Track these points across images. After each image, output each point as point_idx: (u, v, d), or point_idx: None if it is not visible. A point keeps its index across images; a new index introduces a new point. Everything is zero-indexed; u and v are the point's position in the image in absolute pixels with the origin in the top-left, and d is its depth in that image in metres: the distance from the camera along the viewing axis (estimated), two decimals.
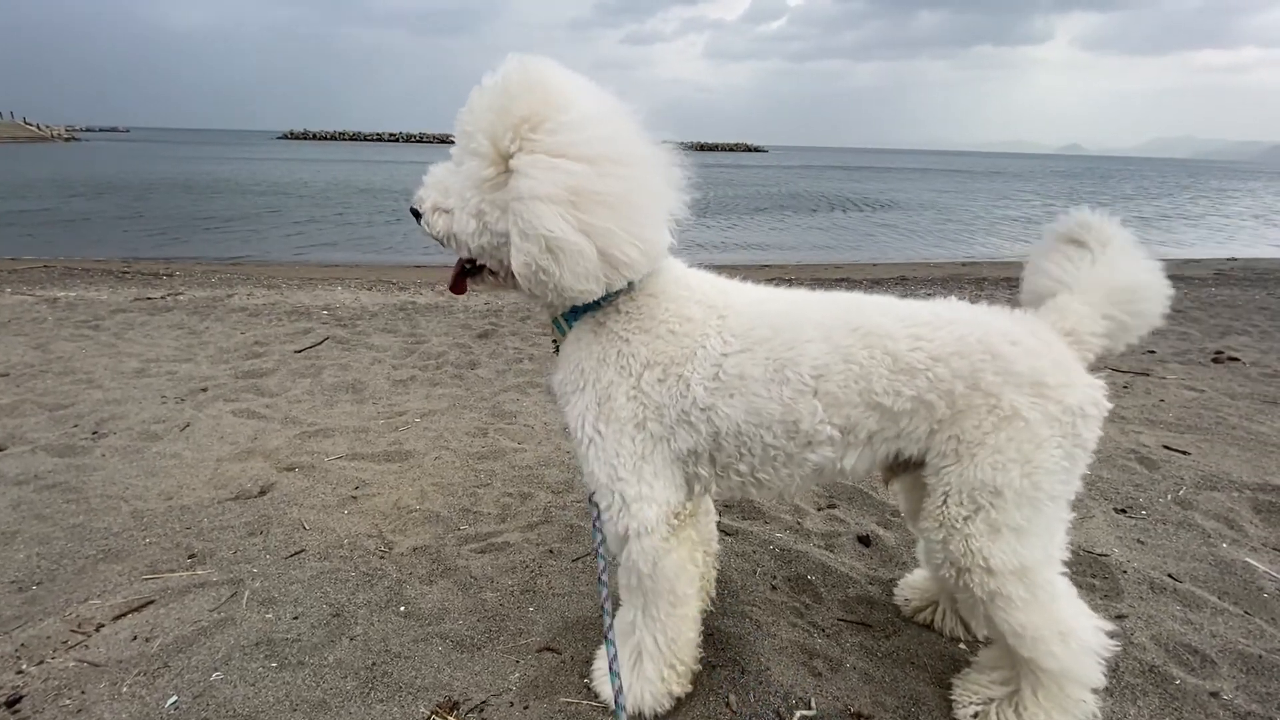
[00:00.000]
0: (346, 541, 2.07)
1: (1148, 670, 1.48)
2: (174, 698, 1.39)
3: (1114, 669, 1.44)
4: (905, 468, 1.33)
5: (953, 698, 1.38)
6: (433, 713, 1.35)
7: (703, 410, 1.22)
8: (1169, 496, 2.37)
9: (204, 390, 3.53)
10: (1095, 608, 1.66)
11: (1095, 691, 1.24)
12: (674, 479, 1.27)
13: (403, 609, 1.72)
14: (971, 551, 1.17)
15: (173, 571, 1.87)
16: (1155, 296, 1.25)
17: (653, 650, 1.33)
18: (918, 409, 1.18)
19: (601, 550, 1.31)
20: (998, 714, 1.29)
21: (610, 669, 1.24)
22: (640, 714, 1.34)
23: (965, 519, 1.17)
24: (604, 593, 1.29)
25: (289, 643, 1.57)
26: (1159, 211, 19.99)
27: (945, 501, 1.19)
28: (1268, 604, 1.73)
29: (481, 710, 1.36)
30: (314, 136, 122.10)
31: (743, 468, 1.26)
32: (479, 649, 1.56)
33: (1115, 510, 2.28)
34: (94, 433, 2.92)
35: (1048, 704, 1.25)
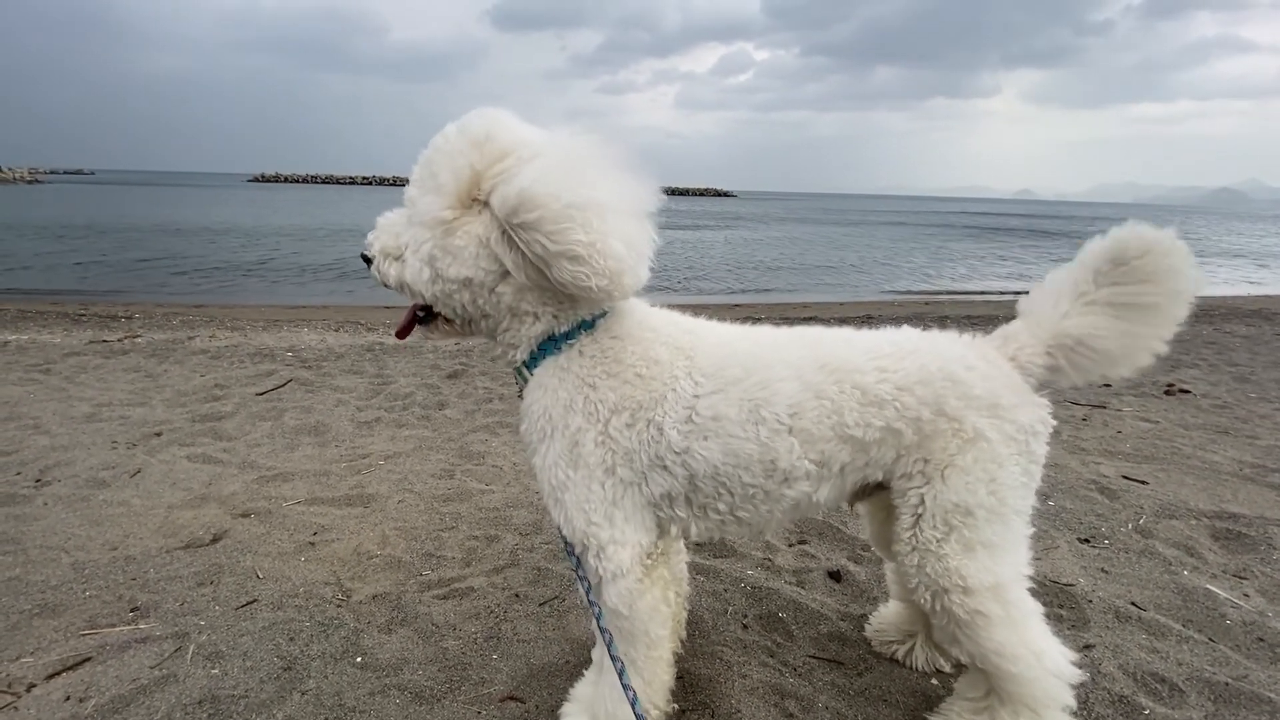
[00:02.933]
0: (302, 590, 1.98)
1: (1117, 700, 1.48)
2: None
3: (1084, 700, 1.43)
4: (868, 492, 1.35)
5: None
6: None
7: (678, 454, 1.21)
8: (1130, 526, 2.41)
9: (158, 435, 3.40)
10: (1064, 638, 1.66)
11: (1070, 714, 1.23)
12: (645, 522, 1.26)
13: (359, 660, 1.63)
14: (949, 571, 1.18)
15: (113, 626, 1.76)
16: (1108, 358, 1.23)
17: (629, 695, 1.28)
18: (886, 438, 1.20)
19: (587, 588, 1.28)
20: None
21: (621, 682, 1.19)
22: None
23: (939, 540, 1.18)
24: (596, 609, 1.26)
25: (235, 700, 1.47)
26: None
27: (918, 523, 1.21)
28: (1231, 630, 1.76)
29: None
30: (285, 179, 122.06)
31: (721, 507, 1.25)
32: (439, 700, 1.49)
33: (1079, 540, 2.31)
34: (37, 480, 2.78)
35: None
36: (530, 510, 2.60)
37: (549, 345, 1.25)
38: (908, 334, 1.30)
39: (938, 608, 1.21)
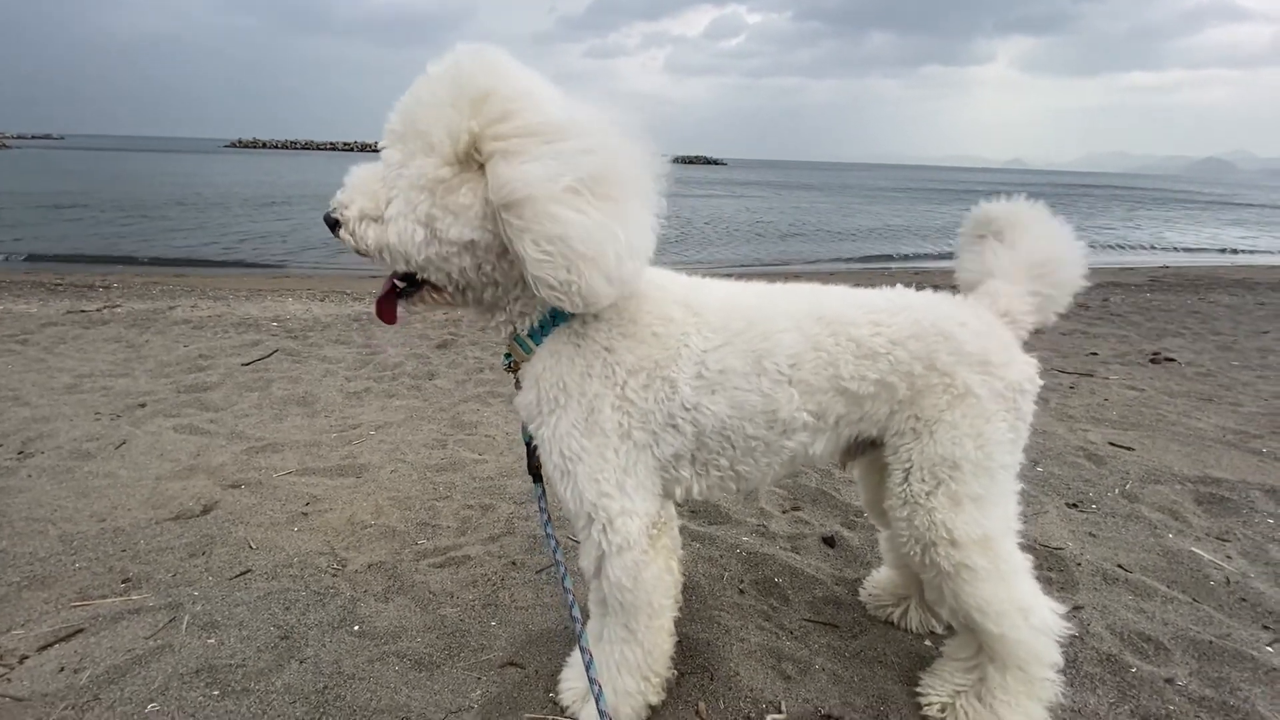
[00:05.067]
0: (296, 560, 1.97)
1: (1105, 659, 1.52)
2: None
3: (1072, 659, 1.46)
4: (862, 449, 1.37)
5: (919, 693, 1.38)
6: None
7: (688, 410, 1.20)
8: (1116, 491, 2.45)
9: (142, 406, 3.34)
10: (1053, 599, 1.70)
11: (1057, 671, 1.26)
12: (654, 489, 1.25)
13: (357, 628, 1.63)
14: (936, 524, 1.20)
15: (105, 597, 1.74)
16: (1072, 263, 1.32)
17: (631, 664, 1.29)
18: (880, 391, 1.22)
19: (559, 558, 1.28)
20: (966, 706, 1.30)
21: (588, 675, 1.19)
22: None
23: (928, 494, 1.20)
24: (569, 599, 1.25)
25: (232, 669, 1.47)
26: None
27: (907, 478, 1.23)
28: (1214, 591, 1.80)
29: None
30: (264, 145, 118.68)
31: (723, 462, 1.26)
32: (438, 667, 1.49)
33: (1067, 505, 2.35)
34: (19, 452, 2.72)
35: (1015, 687, 1.26)
36: (525, 479, 2.59)
37: (560, 314, 1.21)
38: (903, 292, 1.31)
39: (926, 561, 1.23)
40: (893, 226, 18.72)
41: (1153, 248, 16.42)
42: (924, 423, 1.20)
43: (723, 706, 1.36)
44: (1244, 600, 1.75)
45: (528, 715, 1.35)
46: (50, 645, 1.55)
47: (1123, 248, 16.81)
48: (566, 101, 1.10)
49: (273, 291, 7.90)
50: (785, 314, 1.22)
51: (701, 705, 1.37)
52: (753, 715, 1.34)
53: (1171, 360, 4.90)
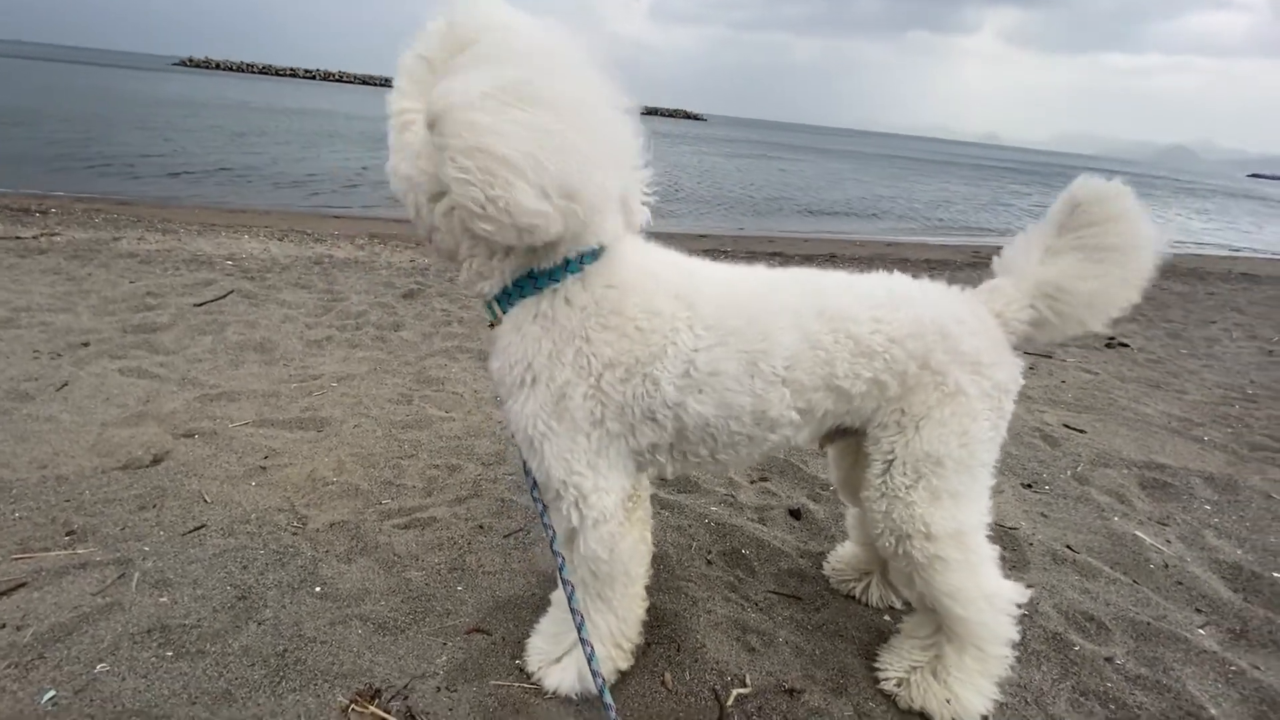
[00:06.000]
0: (254, 516, 1.91)
1: (1050, 637, 1.59)
2: (51, 692, 1.23)
3: (1020, 637, 1.53)
4: (841, 434, 1.36)
5: (877, 668, 1.43)
6: (351, 701, 1.27)
7: (670, 408, 1.16)
8: (1069, 473, 2.55)
9: (85, 345, 3.15)
10: (1006, 579, 1.76)
11: (1007, 647, 1.32)
12: (628, 467, 1.23)
13: (318, 589, 1.60)
14: (914, 518, 1.21)
15: (47, 550, 1.66)
16: (1084, 302, 1.26)
17: (604, 631, 1.30)
18: (872, 390, 1.21)
19: (552, 537, 1.25)
20: (921, 681, 1.35)
21: (580, 636, 1.18)
22: (588, 691, 1.31)
23: (908, 488, 1.21)
24: (560, 560, 1.23)
25: (186, 629, 1.42)
26: None
27: (888, 470, 1.22)
28: (1153, 574, 1.90)
29: (405, 696, 1.29)
30: (217, 66, 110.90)
31: (703, 452, 1.24)
32: (402, 631, 1.48)
33: (1023, 485, 2.43)
34: None
35: (970, 664, 1.31)
36: (492, 440, 2.56)
37: (526, 283, 1.14)
38: (905, 282, 1.27)
39: (900, 551, 1.25)
40: (882, 197, 18.75)
41: None
42: (910, 418, 1.20)
43: (688, 678, 1.39)
44: (1180, 584, 1.86)
45: (494, 681, 1.35)
46: None
47: None
48: (542, 34, 1.02)
49: (227, 227, 7.50)
50: (786, 309, 1.17)
51: (668, 675, 1.39)
52: (718, 687, 1.36)
53: (1125, 346, 5.09)
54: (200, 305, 4.11)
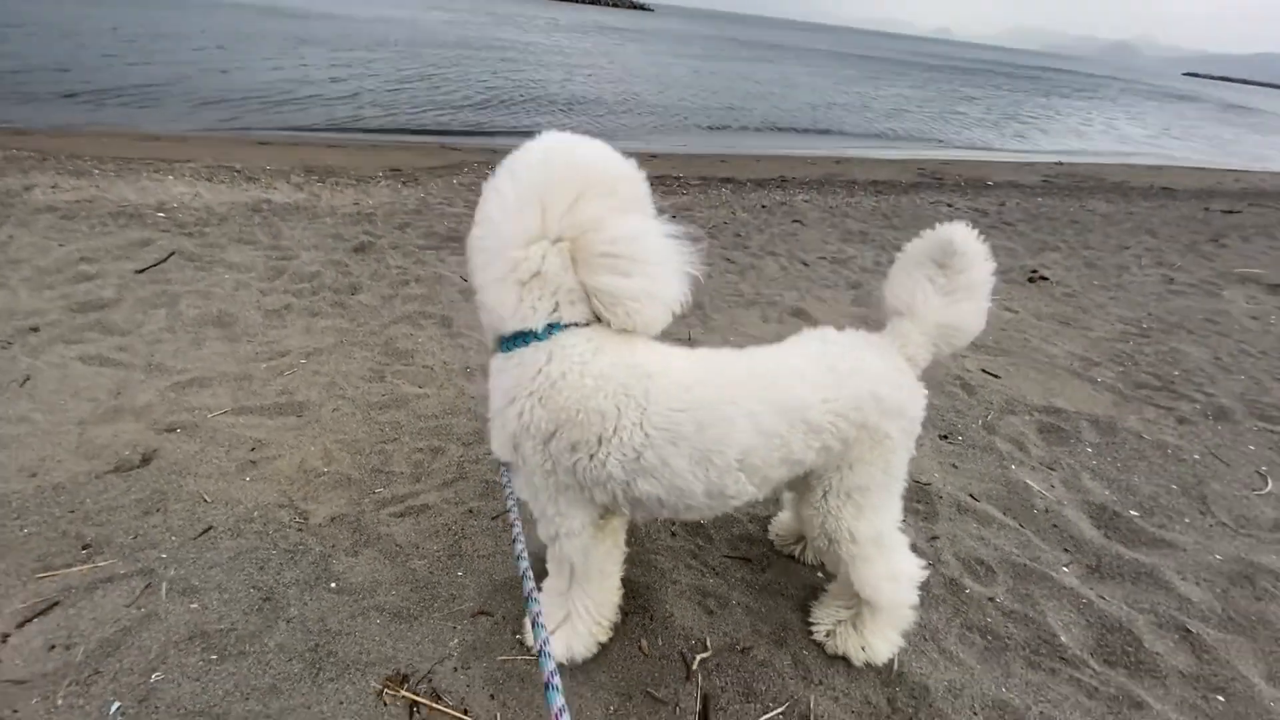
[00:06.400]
0: (257, 514, 2.07)
1: (948, 583, 1.97)
2: (117, 704, 1.44)
3: (925, 584, 1.89)
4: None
5: (811, 621, 1.77)
6: (384, 687, 1.52)
7: (619, 483, 1.31)
8: (979, 423, 2.93)
9: (35, 330, 3.09)
10: (918, 530, 2.12)
11: (913, 609, 1.66)
12: (588, 508, 1.41)
13: (333, 585, 1.81)
14: (842, 529, 1.49)
15: (69, 566, 1.80)
16: (968, 335, 1.53)
17: (583, 613, 1.57)
18: (820, 454, 1.42)
19: (514, 507, 1.38)
20: (844, 632, 1.69)
21: (534, 624, 1.28)
22: (574, 660, 1.60)
23: (840, 507, 1.48)
24: (519, 548, 1.29)
25: (224, 633, 1.63)
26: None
27: (825, 496, 1.48)
28: (1036, 518, 2.31)
29: (429, 679, 1.55)
30: None
31: (664, 512, 1.42)
32: (416, 619, 1.72)
33: (940, 437, 2.80)
34: None
35: (882, 620, 1.66)
36: (469, 418, 2.73)
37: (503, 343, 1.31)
38: (846, 352, 1.44)
39: (829, 550, 1.54)
40: (835, 105, 18.47)
41: (1051, 151, 17.22)
42: (846, 462, 1.44)
43: (661, 644, 1.70)
44: (1055, 526, 2.27)
45: (500, 657, 1.63)
46: (28, 621, 1.63)
47: (1025, 137, 17.59)
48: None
49: (146, 163, 6.98)
50: (743, 412, 1.29)
51: (644, 642, 1.70)
52: (685, 651, 1.68)
53: (1045, 279, 5.50)
54: (142, 271, 3.98)
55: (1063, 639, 1.79)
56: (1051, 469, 2.63)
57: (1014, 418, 3.00)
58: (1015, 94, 27.33)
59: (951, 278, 1.48)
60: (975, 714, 1.57)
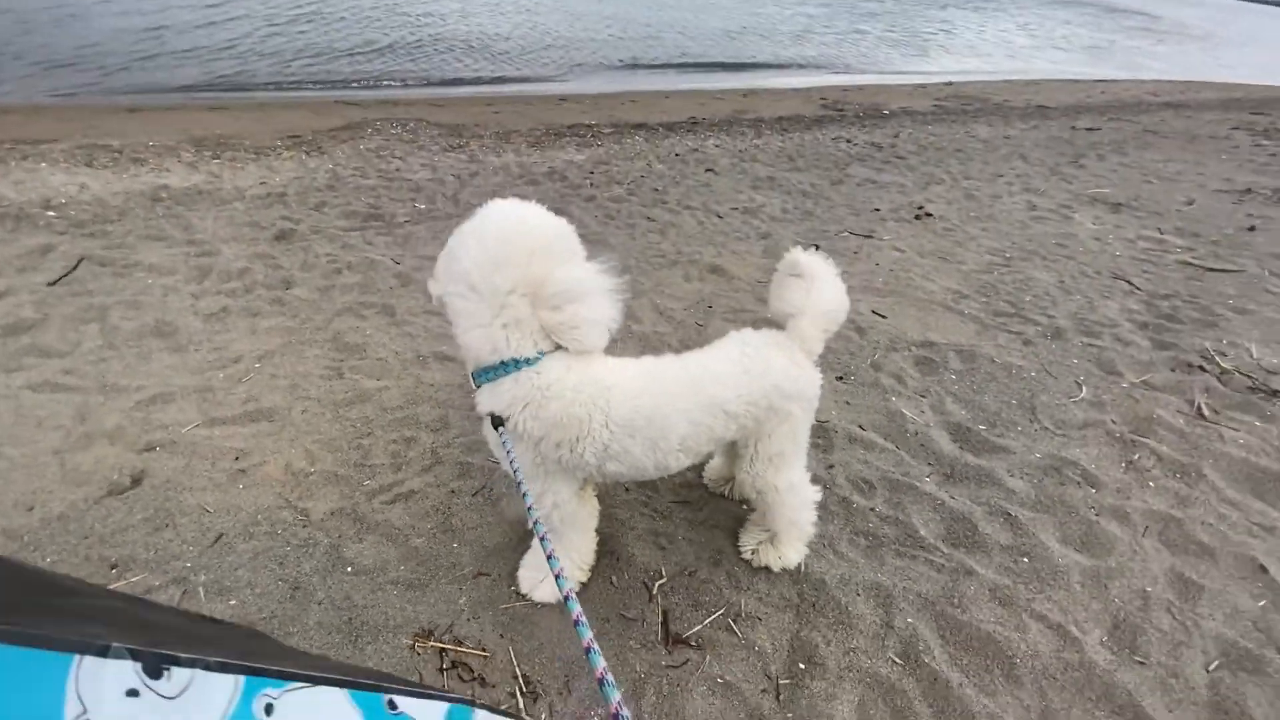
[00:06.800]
0: (261, 518, 2.35)
1: (841, 500, 2.54)
2: None
3: (822, 503, 2.44)
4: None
5: (739, 544, 2.28)
6: (414, 640, 1.92)
7: (592, 466, 1.76)
8: (868, 362, 3.51)
9: None
10: (818, 461, 2.65)
11: (814, 525, 2.20)
12: (569, 482, 1.84)
13: (349, 569, 2.15)
14: (766, 481, 1.99)
15: (108, 584, 2.05)
16: (842, 314, 2.00)
17: (569, 561, 2.01)
18: (738, 431, 1.90)
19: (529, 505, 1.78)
20: (764, 549, 2.22)
21: (548, 558, 1.54)
22: (561, 599, 2.03)
23: (764, 469, 1.97)
24: (528, 502, 1.52)
25: (268, 620, 1.96)
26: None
27: (753, 462, 1.97)
28: (908, 440, 2.91)
29: (450, 630, 1.96)
30: None
31: (625, 480, 1.91)
32: (426, 586, 2.10)
33: (836, 379, 3.35)
34: None
35: (793, 536, 2.19)
36: (432, 405, 3.03)
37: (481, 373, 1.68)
38: (756, 353, 1.87)
39: (757, 497, 2.03)
40: (746, 30, 18.41)
41: (943, 73, 17.94)
42: (763, 434, 1.92)
43: (626, 577, 2.16)
44: (922, 445, 2.88)
45: (503, 606, 2.05)
46: None
47: (924, 54, 18.33)
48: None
49: (6, 148, 6.39)
50: (678, 410, 1.74)
51: (613, 578, 2.16)
52: (645, 580, 2.16)
53: (930, 215, 6.14)
54: (55, 283, 3.90)
55: (922, 532, 2.40)
56: (923, 396, 3.25)
57: (896, 354, 3.60)
58: (917, 5, 27.96)
59: (810, 283, 1.93)
60: (859, 595, 2.14)
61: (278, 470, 2.58)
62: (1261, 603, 2.19)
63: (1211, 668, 1.98)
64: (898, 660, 1.94)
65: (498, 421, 1.64)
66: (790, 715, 1.77)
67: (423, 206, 5.78)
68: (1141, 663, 1.98)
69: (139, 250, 4.48)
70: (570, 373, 1.65)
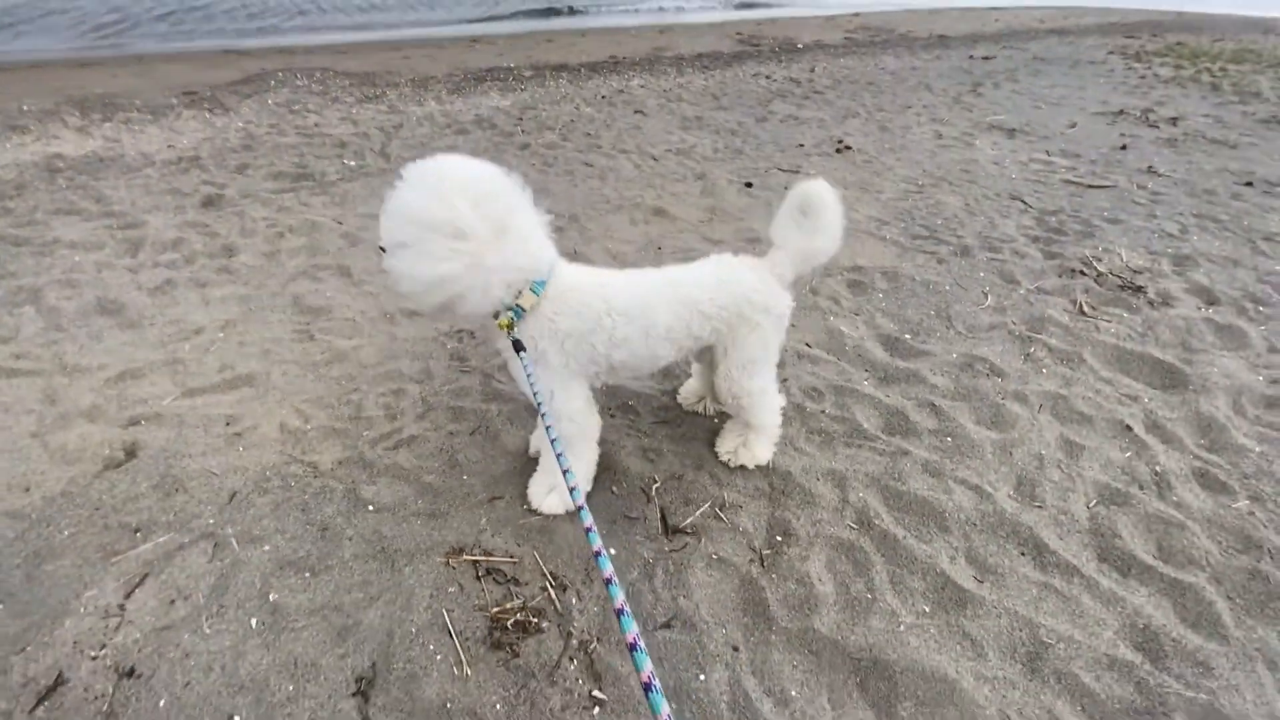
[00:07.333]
0: (270, 474, 2.47)
1: (795, 407, 2.92)
2: (253, 619, 1.94)
3: (784, 409, 2.81)
4: (702, 351, 2.37)
5: (716, 449, 2.62)
6: (447, 559, 2.15)
7: (603, 355, 2.04)
8: (807, 289, 3.88)
9: None
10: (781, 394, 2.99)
11: (779, 428, 2.57)
12: (585, 386, 2.14)
13: (370, 508, 2.34)
14: (739, 386, 2.29)
15: (135, 547, 2.15)
16: (826, 256, 2.28)
17: (578, 471, 2.28)
18: (712, 333, 2.19)
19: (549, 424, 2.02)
20: (740, 451, 2.56)
21: (564, 473, 1.70)
22: (569, 508, 2.32)
23: (738, 374, 2.27)
24: (551, 432, 1.75)
25: (305, 559, 2.13)
26: None
27: (727, 366, 2.27)
28: (847, 352, 3.32)
29: (478, 545, 2.20)
30: None
31: (624, 372, 2.19)
32: (447, 515, 2.33)
33: None
34: None
35: (764, 437, 2.54)
36: (411, 359, 3.16)
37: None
38: (725, 266, 2.18)
39: (731, 402, 2.35)
40: None
41: (850, 2, 18.16)
42: (735, 340, 2.21)
43: (625, 487, 2.46)
44: (860, 355, 3.30)
45: (520, 521, 2.30)
46: (133, 591, 2.01)
47: None
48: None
49: None
50: (662, 301, 2.06)
51: (614, 488, 2.45)
52: (642, 486, 2.46)
53: (849, 149, 6.54)
54: None
55: (865, 426, 2.82)
56: (856, 314, 3.66)
57: (830, 279, 3.99)
58: None
59: (812, 221, 2.20)
60: (819, 480, 2.54)
61: (273, 431, 2.68)
62: (1128, 454, 2.75)
63: (1091, 505, 2.51)
64: (854, 526, 2.36)
65: (519, 346, 1.86)
66: (774, 576, 2.16)
67: (352, 163, 5.63)
68: (1039, 507, 2.48)
69: (53, 226, 4.22)
70: (578, 274, 2.02)
